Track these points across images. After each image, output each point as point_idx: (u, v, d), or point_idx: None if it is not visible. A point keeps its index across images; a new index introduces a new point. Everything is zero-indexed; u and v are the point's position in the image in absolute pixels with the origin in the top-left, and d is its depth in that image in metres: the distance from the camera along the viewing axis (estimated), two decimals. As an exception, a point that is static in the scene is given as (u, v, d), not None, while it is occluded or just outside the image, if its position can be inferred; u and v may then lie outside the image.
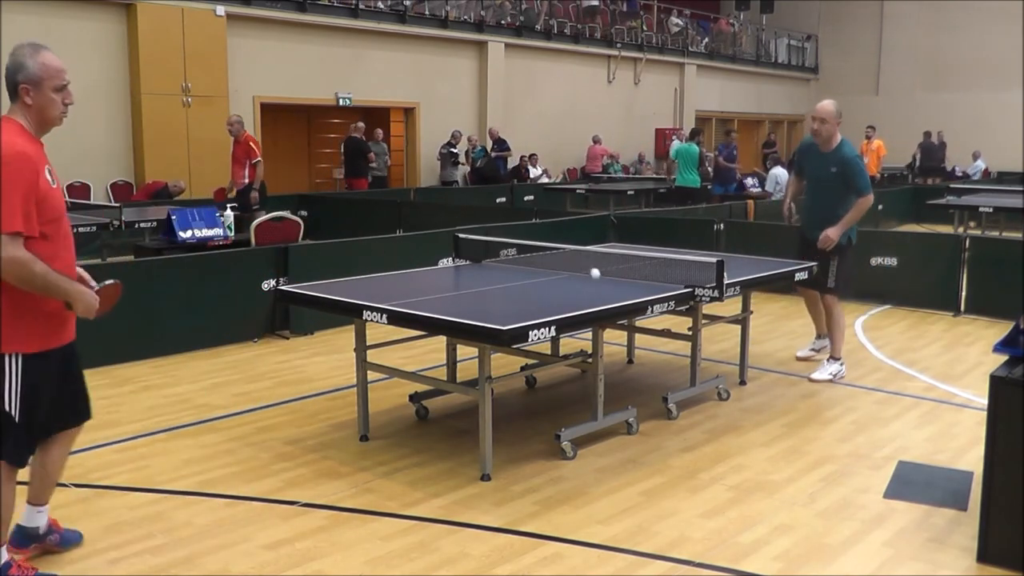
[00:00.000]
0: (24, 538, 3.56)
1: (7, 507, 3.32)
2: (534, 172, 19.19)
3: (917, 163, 23.09)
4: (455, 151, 17.47)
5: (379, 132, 17.10)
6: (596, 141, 20.08)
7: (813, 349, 6.86)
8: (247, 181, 11.01)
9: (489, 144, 18.22)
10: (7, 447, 3.22)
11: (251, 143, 11.10)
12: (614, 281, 5.44)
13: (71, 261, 3.38)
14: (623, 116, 22.28)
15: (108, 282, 3.46)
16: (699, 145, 15.51)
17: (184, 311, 6.89)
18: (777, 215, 12.32)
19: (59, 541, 3.66)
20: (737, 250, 8.00)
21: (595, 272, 5.44)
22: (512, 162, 19.15)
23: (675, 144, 17.59)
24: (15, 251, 3.01)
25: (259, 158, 11.03)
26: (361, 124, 16.15)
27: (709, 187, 16.36)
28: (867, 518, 4.01)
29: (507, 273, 5.81)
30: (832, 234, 6.09)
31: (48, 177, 3.19)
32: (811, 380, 6.22)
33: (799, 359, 6.79)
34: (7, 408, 3.16)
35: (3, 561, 3.32)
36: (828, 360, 6.37)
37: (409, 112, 18.58)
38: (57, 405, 3.37)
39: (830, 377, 6.23)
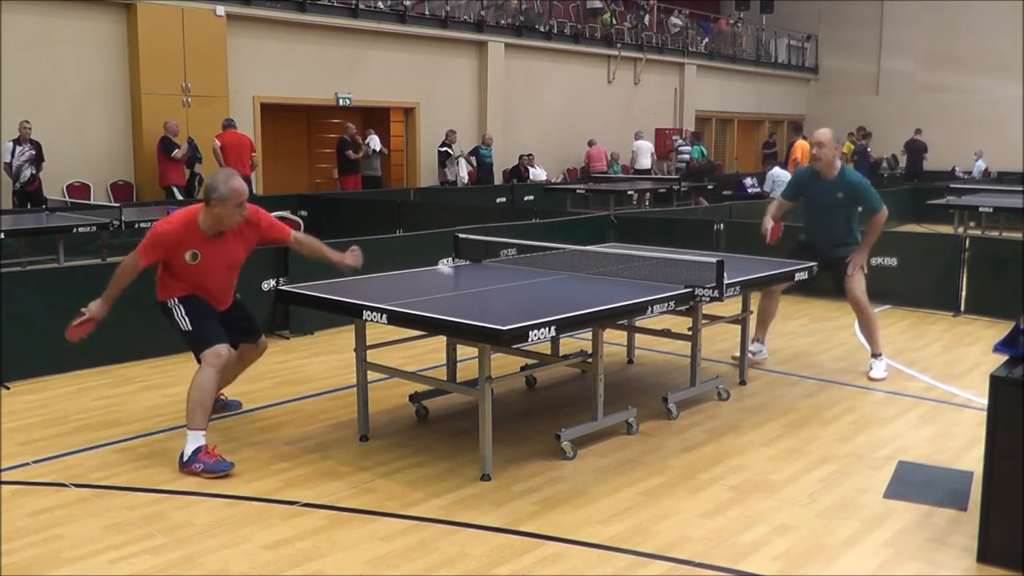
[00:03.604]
0: None
1: (209, 395, 4.60)
2: (534, 172, 19.19)
3: (900, 164, 22.70)
4: (450, 151, 17.48)
5: (369, 131, 17.12)
6: (591, 144, 20.11)
7: (752, 352, 6.49)
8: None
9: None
10: (197, 348, 4.69)
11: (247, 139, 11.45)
12: (614, 281, 5.45)
13: (212, 296, 4.86)
14: (623, 116, 22.28)
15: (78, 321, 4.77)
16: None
17: (184, 311, 6.89)
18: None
19: (222, 406, 5.32)
20: (737, 250, 8.00)
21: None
22: (511, 162, 19.17)
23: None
24: (128, 260, 4.66)
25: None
26: (351, 125, 16.30)
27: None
28: (867, 518, 4.01)
29: (507, 273, 5.80)
30: (860, 260, 6.33)
31: (187, 257, 4.65)
32: (872, 379, 6.24)
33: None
34: (183, 327, 4.71)
35: (198, 445, 4.52)
36: (877, 357, 6.39)
37: (409, 112, 18.58)
38: (225, 326, 4.83)
39: (886, 374, 6.32)
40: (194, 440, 4.53)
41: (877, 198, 6.29)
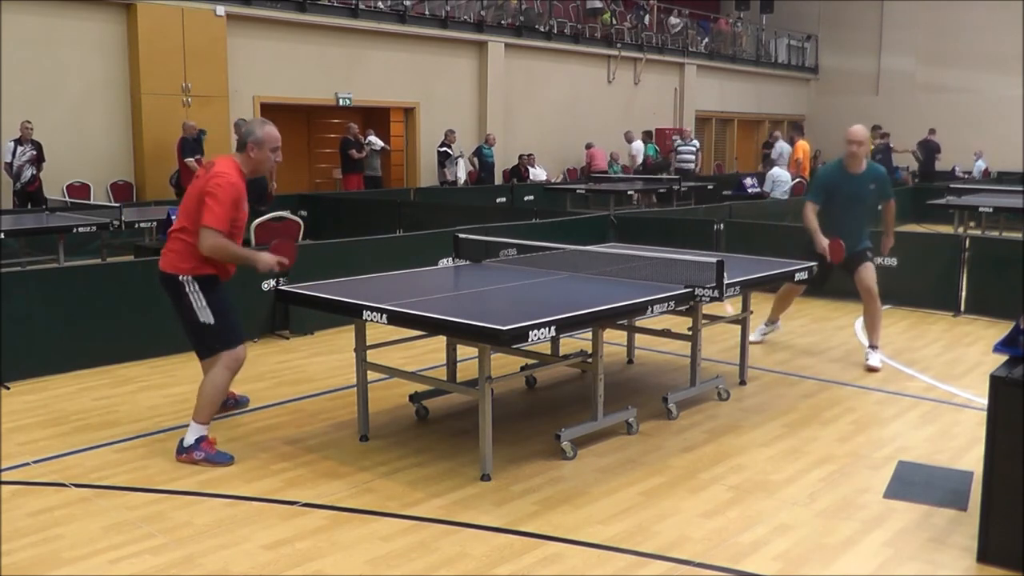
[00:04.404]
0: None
1: (223, 394, 4.69)
2: (534, 172, 19.19)
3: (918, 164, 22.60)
4: (450, 151, 17.49)
5: (369, 132, 17.13)
6: (589, 147, 20.11)
7: (764, 334, 7.35)
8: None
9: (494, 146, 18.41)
10: (218, 345, 4.63)
11: None
12: (614, 281, 5.45)
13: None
14: (623, 116, 22.28)
15: (274, 242, 4.81)
16: None
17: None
18: (777, 215, 12.38)
19: (233, 404, 5.33)
20: (737, 250, 8.00)
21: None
22: (511, 162, 19.18)
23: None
24: (216, 239, 4.47)
25: None
26: (353, 125, 16.33)
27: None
28: (867, 518, 4.01)
29: (507, 273, 5.80)
30: (891, 241, 7.04)
31: (244, 204, 4.60)
32: (870, 367, 6.50)
33: (753, 343, 6.92)
34: (203, 318, 4.60)
35: (200, 435, 4.60)
36: (874, 349, 6.63)
37: (409, 112, 18.58)
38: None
39: (881, 364, 6.57)
40: (196, 431, 4.61)
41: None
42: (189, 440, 4.60)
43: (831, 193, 6.63)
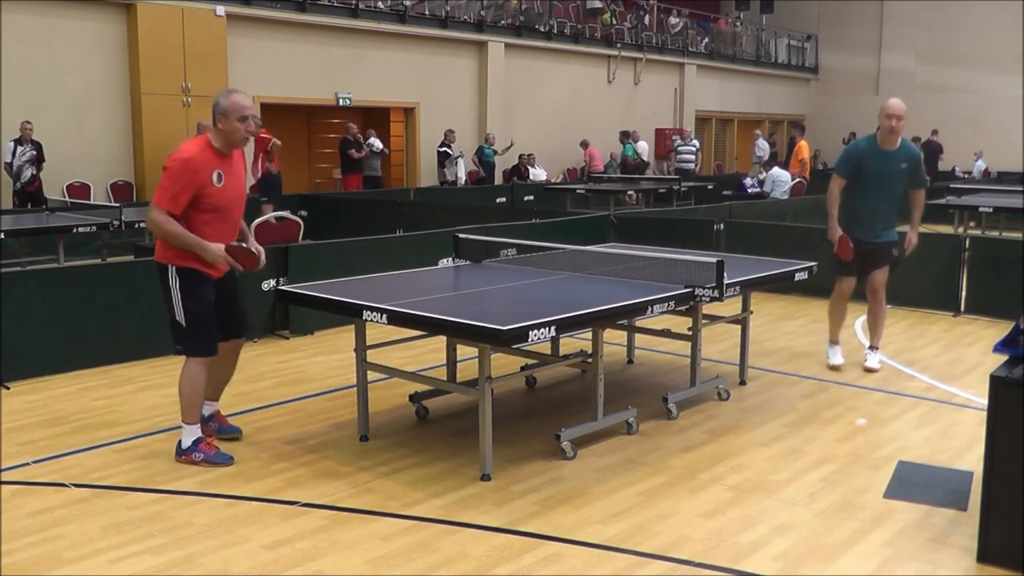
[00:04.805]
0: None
1: (200, 390, 4.61)
2: (534, 172, 19.19)
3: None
4: (450, 151, 17.50)
5: (370, 132, 17.13)
6: (584, 145, 20.10)
7: (876, 362, 6.55)
8: (276, 171, 11.61)
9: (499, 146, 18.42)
10: (186, 349, 4.61)
11: (262, 134, 11.77)
12: (614, 281, 5.44)
13: (226, 236, 4.55)
14: (623, 116, 22.28)
15: (240, 245, 4.58)
16: None
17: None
18: (777, 215, 12.38)
19: (216, 430, 4.88)
20: (737, 250, 8.00)
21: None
22: (511, 162, 19.17)
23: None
24: (157, 216, 4.37)
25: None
26: (353, 125, 16.35)
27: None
28: (867, 518, 4.01)
29: (507, 273, 5.80)
30: (915, 239, 6.52)
31: (214, 178, 4.43)
32: (868, 368, 6.44)
33: (870, 370, 6.46)
34: (177, 316, 4.54)
35: (196, 437, 4.59)
36: (874, 350, 6.56)
37: (409, 112, 18.58)
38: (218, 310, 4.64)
39: (879, 365, 6.50)
40: (191, 433, 4.60)
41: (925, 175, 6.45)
42: (186, 443, 4.60)
43: (859, 169, 6.26)
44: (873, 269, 6.41)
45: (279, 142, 12.99)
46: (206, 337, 4.58)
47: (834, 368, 6.53)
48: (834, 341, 6.71)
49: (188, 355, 4.60)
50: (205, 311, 4.55)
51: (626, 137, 19.92)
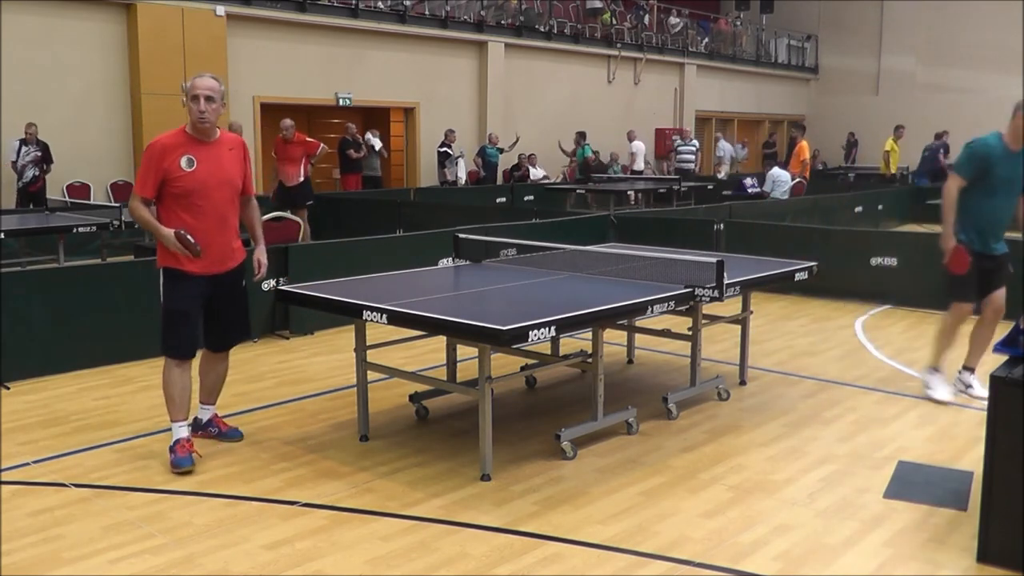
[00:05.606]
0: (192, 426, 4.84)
1: (176, 386, 4.57)
2: (534, 172, 19.19)
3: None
4: (450, 151, 17.50)
5: (373, 132, 17.12)
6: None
7: (974, 388, 5.80)
8: (304, 177, 11.55)
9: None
10: (162, 346, 4.59)
11: (306, 139, 11.75)
12: (614, 281, 5.45)
13: (208, 226, 4.53)
14: (623, 116, 22.29)
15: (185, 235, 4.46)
16: None
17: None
18: (777, 215, 12.38)
19: (217, 434, 4.91)
20: (737, 250, 8.00)
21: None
22: (511, 162, 19.17)
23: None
24: (131, 201, 4.52)
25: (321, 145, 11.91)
26: (352, 125, 16.34)
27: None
28: (867, 518, 4.01)
29: (507, 273, 5.80)
30: None
31: (183, 163, 4.49)
32: (978, 397, 5.61)
33: (976, 398, 5.71)
34: (162, 312, 4.58)
35: (178, 437, 4.57)
36: (934, 371, 5.82)
37: (409, 112, 18.58)
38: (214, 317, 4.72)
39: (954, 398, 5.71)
40: (176, 432, 4.59)
41: None
42: (171, 442, 4.60)
43: (984, 172, 5.42)
44: (993, 289, 5.60)
45: (327, 148, 12.87)
46: (177, 337, 4.57)
47: (941, 403, 5.65)
48: (936, 368, 5.80)
49: (164, 354, 4.61)
50: (180, 309, 4.55)
51: (583, 138, 19.54)
